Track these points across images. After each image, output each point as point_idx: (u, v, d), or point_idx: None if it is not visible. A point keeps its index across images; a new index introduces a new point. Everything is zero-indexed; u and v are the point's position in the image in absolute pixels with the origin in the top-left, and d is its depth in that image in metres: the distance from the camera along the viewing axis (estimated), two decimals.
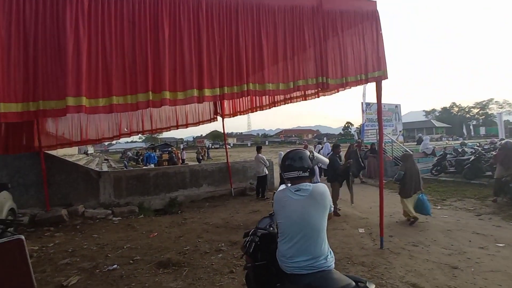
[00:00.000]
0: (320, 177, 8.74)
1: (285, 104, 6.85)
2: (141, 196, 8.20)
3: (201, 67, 3.25)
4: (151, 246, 5.05)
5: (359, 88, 12.28)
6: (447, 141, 27.91)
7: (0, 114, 2.47)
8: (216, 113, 9.27)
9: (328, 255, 1.91)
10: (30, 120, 6.06)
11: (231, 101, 8.42)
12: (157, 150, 27.47)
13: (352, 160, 7.19)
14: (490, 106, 70.09)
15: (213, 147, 65.58)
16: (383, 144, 6.71)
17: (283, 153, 2.23)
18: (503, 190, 6.92)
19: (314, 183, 2.06)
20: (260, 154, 8.98)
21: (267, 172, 9.00)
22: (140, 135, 12.97)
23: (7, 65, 2.53)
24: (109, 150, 68.45)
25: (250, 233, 2.30)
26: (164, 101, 3.07)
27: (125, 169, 16.38)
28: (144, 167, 16.59)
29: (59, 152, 9.38)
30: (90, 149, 37.30)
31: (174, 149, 25.88)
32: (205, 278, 3.78)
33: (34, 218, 6.57)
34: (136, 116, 8.09)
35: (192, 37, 3.22)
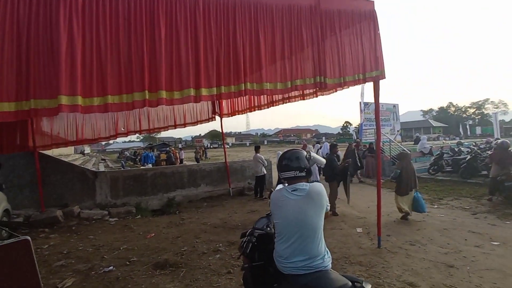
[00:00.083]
0: (319, 175, 8.75)
1: (283, 103, 6.84)
2: (139, 197, 8.16)
3: (198, 66, 3.22)
4: (148, 247, 5.01)
5: (358, 87, 12.27)
6: (444, 141, 28.04)
7: None
8: (214, 112, 9.25)
9: (325, 255, 1.91)
10: (24, 120, 6.02)
11: (229, 100, 8.41)
12: (155, 150, 27.40)
13: (350, 159, 7.20)
14: (486, 106, 70.68)
15: (211, 146, 65.47)
16: (381, 143, 6.73)
17: (281, 153, 2.23)
18: (498, 189, 6.97)
19: (312, 182, 2.05)
20: (258, 154, 8.97)
21: (265, 172, 8.99)
22: (137, 134, 12.91)
23: (0, 64, 2.49)
24: (106, 150, 68.16)
25: (247, 234, 2.28)
26: (160, 100, 3.04)
27: (122, 169, 16.32)
28: (142, 167, 16.53)
29: (54, 152, 9.34)
30: (87, 149, 37.19)
31: (173, 148, 25.78)
32: (202, 279, 3.76)
33: (29, 219, 6.50)
34: (133, 116, 8.06)
35: (189, 35, 3.19)
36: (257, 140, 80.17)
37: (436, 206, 7.12)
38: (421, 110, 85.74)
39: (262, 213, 2.56)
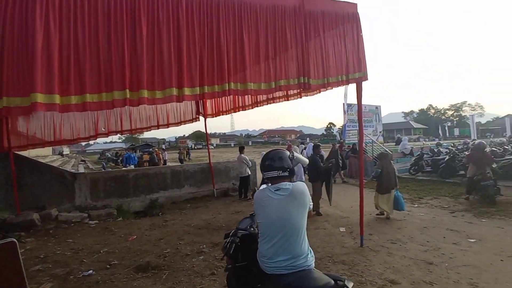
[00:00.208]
0: (304, 175, 8.80)
1: (267, 104, 6.85)
2: (120, 198, 7.95)
3: (181, 65, 3.17)
4: (130, 250, 4.89)
5: (341, 89, 12.46)
6: (424, 142, 28.93)
7: None
8: (198, 113, 9.15)
9: (308, 254, 1.91)
10: None
11: (213, 100, 8.35)
12: (138, 151, 26.84)
13: (334, 159, 7.29)
14: (463, 109, 73.58)
15: (196, 147, 64.88)
16: (363, 144, 6.85)
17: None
18: (474, 188, 7.23)
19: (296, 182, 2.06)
20: (242, 155, 8.94)
21: (249, 173, 8.96)
22: (119, 135, 12.62)
23: None
24: (87, 151, 66.40)
25: (230, 234, 2.26)
26: (142, 100, 2.97)
27: (103, 170, 15.90)
28: (124, 168, 16.16)
29: (31, 153, 8.98)
30: (66, 150, 36.03)
31: (156, 149, 25.34)
32: (185, 281, 3.70)
33: (4, 223, 6.21)
34: (114, 115, 7.85)
35: (172, 34, 3.13)
36: (242, 141, 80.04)
37: (416, 205, 7.32)
38: (403, 112, 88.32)
39: (246, 214, 2.55)
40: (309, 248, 1.97)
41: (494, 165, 7.68)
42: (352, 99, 13.86)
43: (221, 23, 3.42)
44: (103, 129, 7.78)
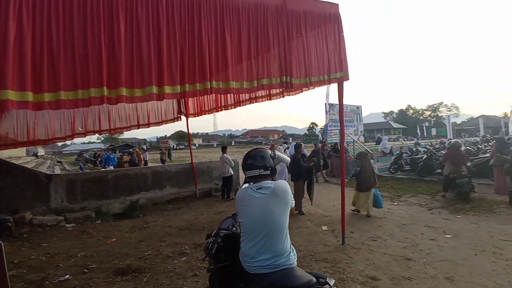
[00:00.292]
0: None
1: (250, 103, 6.82)
2: (99, 200, 7.70)
3: (161, 63, 3.09)
4: (109, 253, 4.74)
5: (323, 89, 12.62)
6: (403, 141, 29.78)
7: None
8: (180, 112, 9.00)
9: (290, 253, 1.91)
10: None
11: (195, 100, 8.23)
12: (117, 151, 26.14)
13: (315, 158, 7.36)
14: (440, 109, 76.42)
15: (178, 148, 63.95)
16: (345, 144, 6.96)
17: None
18: (450, 186, 7.52)
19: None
20: (225, 154, 8.88)
21: (232, 173, 8.92)
22: (97, 135, 12.23)
23: None
24: (63, 152, 64.15)
25: (212, 234, 2.23)
26: (120, 98, 2.87)
27: (80, 171, 15.37)
28: (103, 169, 15.68)
29: (3, 154, 8.54)
30: (41, 151, 34.55)
31: (136, 150, 24.75)
32: (167, 283, 3.62)
33: None
34: (92, 115, 7.57)
35: (151, 31, 3.04)
36: (225, 141, 79.68)
37: (396, 203, 7.52)
38: (383, 112, 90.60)
39: (229, 214, 2.52)
40: (291, 246, 1.96)
41: (469, 164, 8.03)
42: (334, 99, 14.05)
43: (202, 20, 3.37)
44: (80, 129, 7.50)
